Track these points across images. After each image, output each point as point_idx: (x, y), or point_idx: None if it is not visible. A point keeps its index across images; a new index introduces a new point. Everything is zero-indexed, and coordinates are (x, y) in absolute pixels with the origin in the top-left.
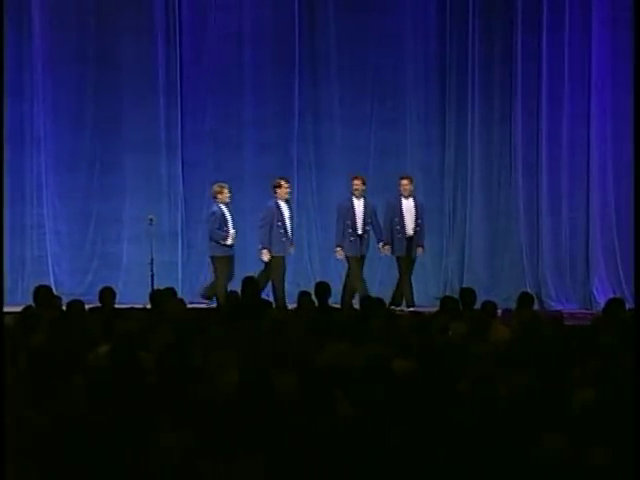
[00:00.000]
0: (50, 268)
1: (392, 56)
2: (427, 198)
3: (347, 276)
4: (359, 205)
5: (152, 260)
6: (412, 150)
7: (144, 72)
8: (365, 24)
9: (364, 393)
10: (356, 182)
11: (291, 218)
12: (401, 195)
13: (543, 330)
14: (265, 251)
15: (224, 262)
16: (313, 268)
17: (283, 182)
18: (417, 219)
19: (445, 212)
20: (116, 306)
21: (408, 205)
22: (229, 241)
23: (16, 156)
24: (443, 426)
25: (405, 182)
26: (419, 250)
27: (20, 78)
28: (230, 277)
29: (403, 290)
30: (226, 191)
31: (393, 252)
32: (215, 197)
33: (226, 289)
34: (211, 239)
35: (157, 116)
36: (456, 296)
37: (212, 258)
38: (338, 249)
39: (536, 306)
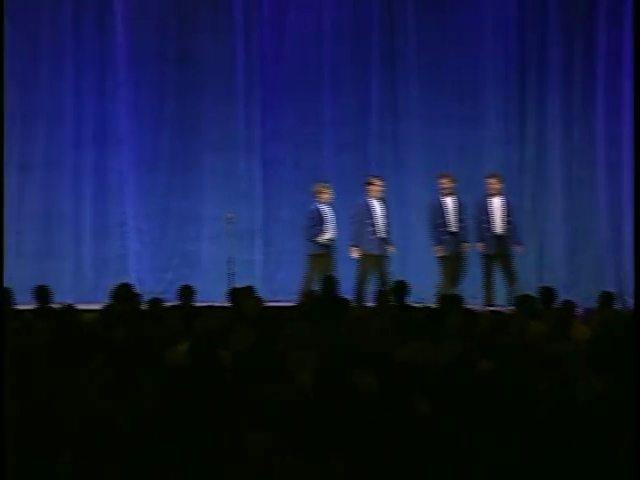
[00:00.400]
0: (131, 266)
1: (471, 54)
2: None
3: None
4: (450, 203)
5: (231, 258)
6: (491, 148)
7: (224, 71)
8: (444, 22)
9: (443, 392)
10: (444, 181)
11: (386, 217)
12: (489, 194)
13: (625, 330)
14: (355, 249)
15: (316, 260)
16: (392, 266)
17: (375, 180)
18: (507, 217)
19: (524, 210)
20: (195, 304)
21: (496, 203)
22: (324, 237)
23: (99, 155)
24: (521, 427)
25: (492, 181)
26: (518, 248)
27: (103, 77)
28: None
29: (484, 288)
30: (327, 191)
31: (483, 250)
32: (315, 196)
33: (308, 287)
34: (306, 237)
35: (236, 115)
36: (536, 295)
37: (308, 256)
38: (437, 248)
39: (617, 305)
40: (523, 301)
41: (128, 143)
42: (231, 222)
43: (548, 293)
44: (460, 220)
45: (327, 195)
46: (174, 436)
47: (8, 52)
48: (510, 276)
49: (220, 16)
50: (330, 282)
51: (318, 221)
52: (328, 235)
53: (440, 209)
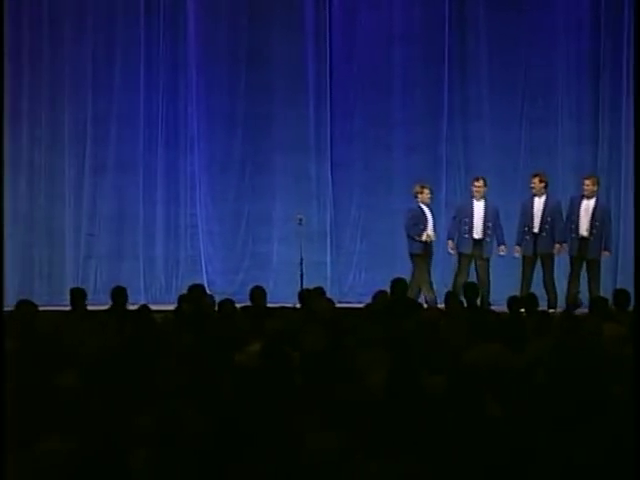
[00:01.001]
0: (203, 267)
1: (543, 54)
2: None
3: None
4: (538, 203)
5: (302, 260)
6: (564, 149)
7: (294, 71)
8: (516, 22)
9: (515, 395)
10: (534, 180)
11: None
12: (583, 195)
13: None
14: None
15: (421, 259)
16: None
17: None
18: (593, 221)
19: None
20: (266, 305)
21: (587, 206)
22: (424, 237)
23: (170, 157)
24: (594, 431)
25: (588, 182)
26: (605, 253)
27: (175, 78)
28: (427, 272)
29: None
30: (427, 191)
31: (568, 252)
32: (415, 196)
33: (425, 286)
34: (407, 236)
35: (307, 116)
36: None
37: (410, 255)
38: (516, 247)
39: None
40: (597, 303)
41: (199, 144)
42: (301, 224)
43: (622, 296)
44: (546, 222)
45: (427, 195)
46: (245, 437)
47: (82, 54)
48: (593, 281)
49: (291, 15)
50: (399, 284)
51: (420, 220)
52: (429, 233)
53: (528, 209)
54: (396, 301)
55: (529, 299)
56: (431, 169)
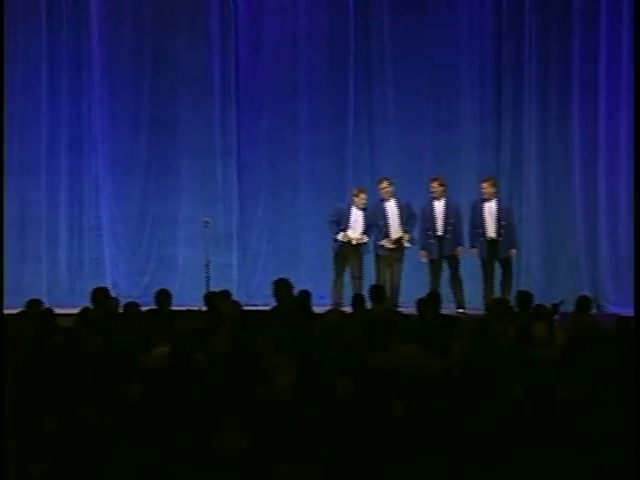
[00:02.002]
0: (107, 270)
1: (447, 56)
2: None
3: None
4: (439, 206)
5: (208, 262)
6: (467, 151)
7: (200, 74)
8: (420, 25)
9: (421, 396)
10: (434, 184)
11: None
12: (482, 198)
13: (601, 334)
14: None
15: (336, 258)
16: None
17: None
18: (500, 221)
19: None
20: (172, 308)
21: (490, 208)
22: (339, 236)
23: (74, 159)
24: (497, 431)
25: (485, 185)
26: (511, 252)
27: (79, 80)
28: (337, 275)
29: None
30: (362, 196)
31: (479, 255)
32: (352, 198)
33: (336, 287)
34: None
35: (212, 119)
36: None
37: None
38: (422, 252)
39: (593, 309)
40: (498, 305)
41: (103, 146)
42: (207, 226)
43: (524, 297)
44: (449, 224)
45: (362, 199)
46: (153, 439)
47: None
48: (508, 280)
49: (196, 18)
50: (282, 285)
51: (342, 220)
52: (347, 234)
53: (429, 213)
54: (280, 302)
55: (434, 299)
56: (337, 171)
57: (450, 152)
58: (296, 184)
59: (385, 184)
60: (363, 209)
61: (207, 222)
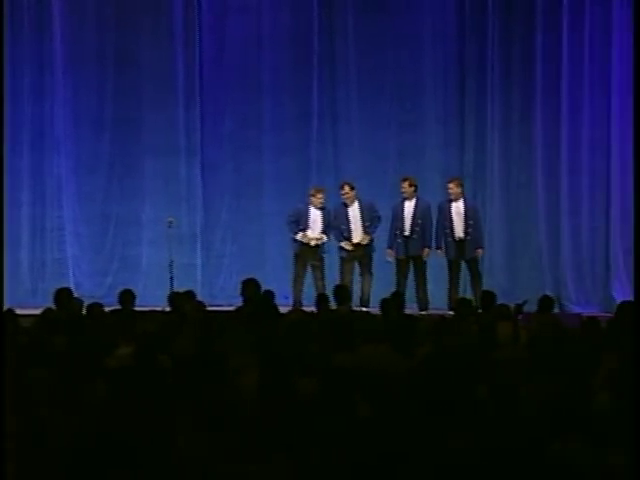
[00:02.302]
0: (70, 270)
1: (411, 57)
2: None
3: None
4: (409, 207)
5: (171, 262)
6: (431, 152)
7: (163, 74)
8: (384, 25)
9: (385, 396)
10: (404, 184)
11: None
12: (449, 198)
13: (563, 334)
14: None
15: (297, 258)
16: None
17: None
18: (467, 221)
19: None
20: (136, 308)
21: (456, 208)
22: (298, 236)
23: (36, 158)
24: (461, 430)
25: (451, 185)
26: (478, 252)
27: (41, 79)
28: (297, 274)
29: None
30: (320, 195)
31: (445, 255)
32: (309, 198)
33: (296, 287)
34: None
35: (176, 119)
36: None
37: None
38: (389, 251)
39: (556, 309)
40: (462, 305)
41: (66, 146)
42: (171, 226)
43: (488, 297)
44: (417, 224)
45: (319, 199)
46: (116, 440)
47: None
48: (476, 280)
49: (159, 18)
50: (251, 285)
51: (301, 219)
52: (307, 234)
53: (399, 213)
54: (247, 303)
55: (398, 300)
56: (301, 172)
57: (414, 153)
58: (260, 184)
59: (346, 189)
60: (321, 209)
61: (171, 222)
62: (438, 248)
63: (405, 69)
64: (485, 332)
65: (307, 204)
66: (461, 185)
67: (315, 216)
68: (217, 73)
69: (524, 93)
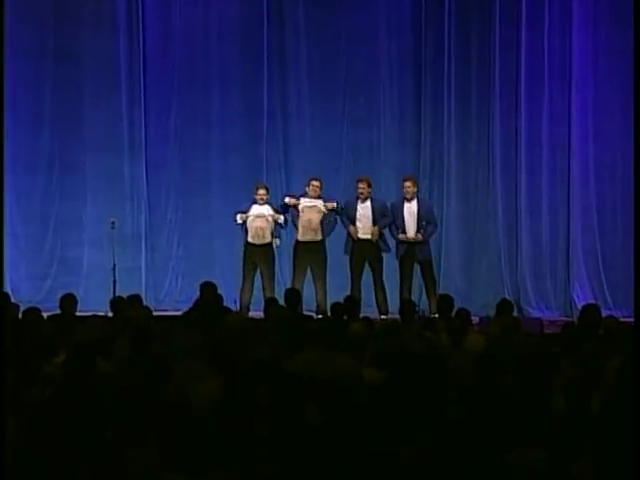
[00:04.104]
0: (6, 274)
1: (365, 52)
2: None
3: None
4: (364, 208)
5: (114, 265)
6: (386, 150)
7: (105, 68)
8: (336, 19)
9: (336, 403)
10: (361, 185)
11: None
12: (404, 197)
13: (522, 337)
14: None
15: (243, 260)
16: (284, 275)
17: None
18: (420, 221)
19: None
20: (77, 314)
21: (409, 208)
22: (237, 220)
23: None
24: (418, 438)
25: (408, 184)
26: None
27: None
28: (245, 276)
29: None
30: (261, 191)
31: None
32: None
33: (244, 288)
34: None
35: (119, 114)
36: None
37: None
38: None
39: (515, 313)
40: (405, 307)
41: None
42: (114, 227)
43: (446, 301)
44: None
45: (258, 196)
46: (52, 452)
47: None
48: (430, 282)
49: (101, 10)
50: (209, 289)
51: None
52: (241, 219)
53: (353, 214)
54: (205, 306)
55: (351, 304)
56: (250, 170)
57: (368, 151)
58: (207, 183)
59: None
60: (263, 204)
61: (114, 223)
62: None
63: (359, 63)
64: (453, 337)
65: (252, 201)
66: (416, 184)
67: (257, 212)
68: (162, 66)
69: (482, 88)
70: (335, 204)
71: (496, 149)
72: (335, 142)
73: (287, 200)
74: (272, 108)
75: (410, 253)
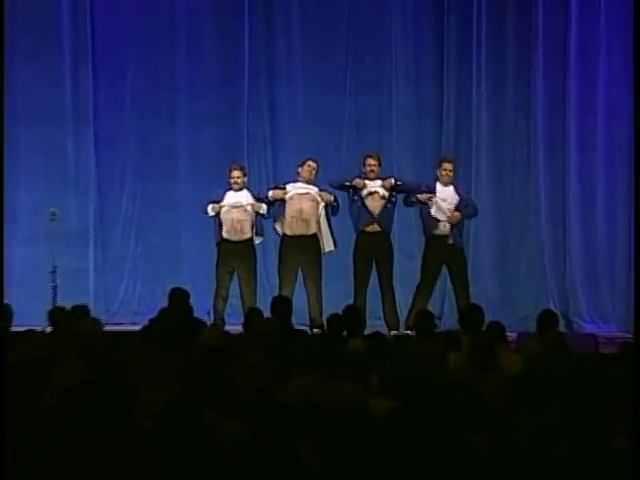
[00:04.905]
0: None
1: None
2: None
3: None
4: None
5: (54, 268)
6: (399, 121)
7: (43, 19)
8: None
9: (337, 440)
10: (370, 162)
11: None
12: (437, 180)
13: (570, 358)
14: None
15: (217, 260)
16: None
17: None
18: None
19: None
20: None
21: (446, 194)
22: (209, 211)
23: None
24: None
25: (449, 167)
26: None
27: None
28: (220, 281)
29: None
30: (236, 173)
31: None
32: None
33: (217, 295)
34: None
35: (61, 77)
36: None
37: None
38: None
39: (562, 327)
40: (423, 319)
41: None
42: (54, 219)
43: (473, 313)
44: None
45: (233, 180)
46: None
47: None
48: (460, 291)
49: None
50: (179, 296)
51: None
52: (212, 209)
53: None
54: (173, 319)
55: (353, 316)
56: (227, 147)
57: (377, 122)
58: (173, 163)
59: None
60: (239, 189)
61: (54, 213)
62: None
63: (364, 11)
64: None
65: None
66: (456, 167)
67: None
68: (115, 19)
69: (521, 41)
70: (332, 198)
71: (538, 119)
72: (335, 111)
73: (271, 194)
74: (255, 69)
75: (438, 248)
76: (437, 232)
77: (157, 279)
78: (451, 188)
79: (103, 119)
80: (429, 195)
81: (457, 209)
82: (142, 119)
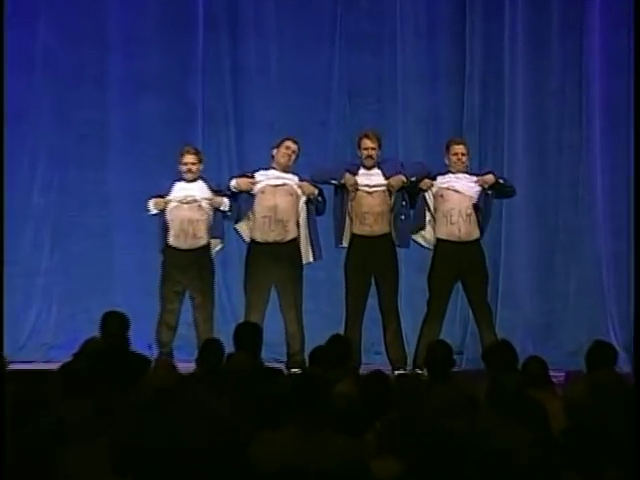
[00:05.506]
0: None
1: None
2: (435, 168)
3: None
4: (371, 178)
5: None
6: (405, 88)
7: None
8: None
9: None
10: (367, 143)
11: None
12: (449, 170)
13: (626, 404)
14: None
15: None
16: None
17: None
18: (477, 211)
19: None
20: None
21: (461, 185)
22: (151, 208)
23: None
24: None
25: (461, 149)
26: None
27: None
28: (165, 302)
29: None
30: (188, 159)
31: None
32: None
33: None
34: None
35: None
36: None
37: None
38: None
39: (623, 364)
40: (435, 354)
41: None
42: None
43: (504, 349)
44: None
45: (183, 163)
46: None
47: None
48: (483, 317)
49: None
50: (114, 318)
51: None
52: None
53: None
54: (107, 352)
55: (342, 349)
56: (175, 121)
57: (375, 91)
58: (103, 144)
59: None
60: (192, 180)
61: None
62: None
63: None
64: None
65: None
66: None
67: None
68: None
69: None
70: (316, 191)
71: (594, 86)
72: (320, 75)
73: (234, 184)
74: (212, 17)
75: (450, 257)
76: (445, 236)
77: (79, 300)
78: (467, 177)
79: (8, 83)
80: (430, 182)
81: (475, 206)
82: (57, 83)
